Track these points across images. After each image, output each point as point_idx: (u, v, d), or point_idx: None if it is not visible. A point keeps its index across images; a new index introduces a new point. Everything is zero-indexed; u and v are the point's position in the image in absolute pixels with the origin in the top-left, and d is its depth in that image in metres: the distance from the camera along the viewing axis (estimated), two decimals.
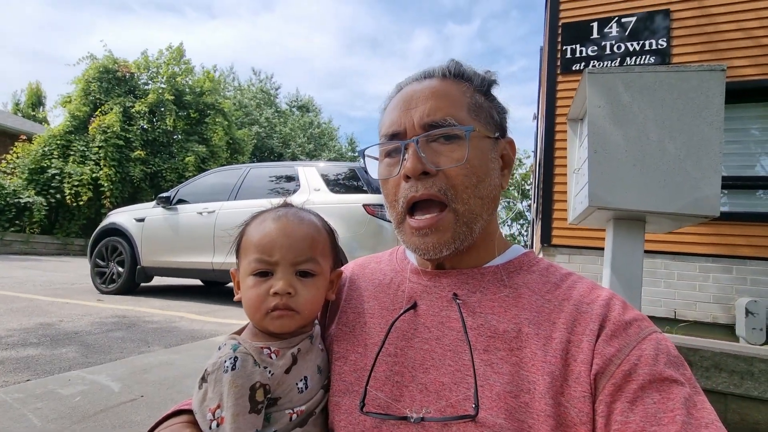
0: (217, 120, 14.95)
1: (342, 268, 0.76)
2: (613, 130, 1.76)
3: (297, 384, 0.53)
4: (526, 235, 19.33)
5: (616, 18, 4.61)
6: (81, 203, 11.99)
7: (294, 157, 23.56)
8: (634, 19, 4.53)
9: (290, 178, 4.83)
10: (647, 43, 4.44)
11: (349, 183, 4.71)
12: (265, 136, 23.65)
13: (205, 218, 4.75)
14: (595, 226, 2.27)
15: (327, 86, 62.68)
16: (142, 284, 5.25)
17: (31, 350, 2.69)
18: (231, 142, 15.92)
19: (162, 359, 2.23)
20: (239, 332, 0.59)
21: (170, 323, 3.70)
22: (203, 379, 0.50)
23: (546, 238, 4.54)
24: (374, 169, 0.63)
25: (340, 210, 4.20)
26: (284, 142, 24.54)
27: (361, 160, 0.63)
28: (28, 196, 11.29)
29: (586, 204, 1.82)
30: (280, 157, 23.37)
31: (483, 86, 0.61)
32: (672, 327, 3.19)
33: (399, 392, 0.53)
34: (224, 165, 12.37)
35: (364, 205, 4.24)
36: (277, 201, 0.67)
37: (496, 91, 0.63)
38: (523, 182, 20.13)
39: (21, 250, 11.17)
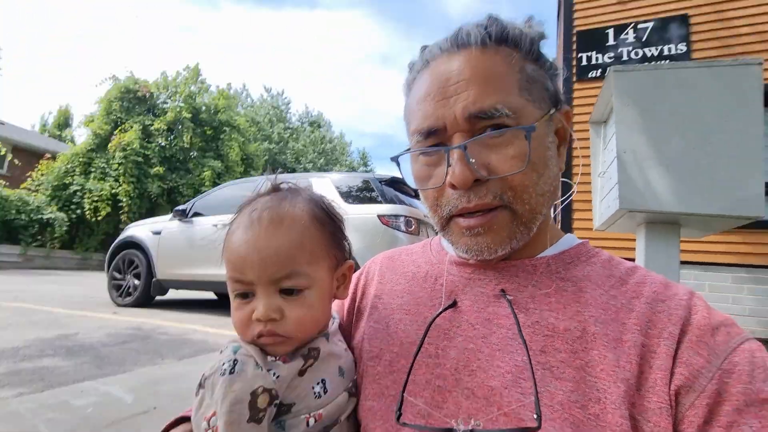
0: (232, 136, 15.26)
1: (370, 261, 0.70)
2: (642, 129, 1.69)
3: (314, 388, 0.47)
4: None
5: (632, 24, 4.54)
6: (100, 218, 12.26)
7: (306, 171, 23.83)
8: (650, 25, 4.46)
9: None
10: (666, 48, 4.36)
11: (362, 194, 4.68)
12: (277, 152, 24.02)
13: (219, 231, 4.73)
14: (624, 233, 2.16)
15: (338, 101, 63.70)
16: (157, 297, 5.25)
17: (47, 361, 2.67)
18: (245, 157, 16.22)
19: (175, 371, 2.18)
20: None
21: (183, 335, 3.66)
22: (200, 385, 0.45)
23: None
24: (408, 172, 0.53)
25: (354, 221, 4.16)
26: (296, 157, 24.87)
27: (397, 166, 0.53)
28: (51, 212, 11.59)
29: (615, 207, 1.73)
30: (292, 172, 23.66)
31: (533, 50, 0.49)
32: None
33: (441, 398, 0.46)
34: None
35: (379, 216, 4.19)
36: (265, 183, 0.55)
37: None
38: None
39: (42, 264, 11.41)
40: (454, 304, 0.52)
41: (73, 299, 5.60)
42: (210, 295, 6.37)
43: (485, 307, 0.50)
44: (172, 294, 5.57)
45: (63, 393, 1.79)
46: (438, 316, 0.52)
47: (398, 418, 0.46)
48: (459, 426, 0.44)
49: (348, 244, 0.57)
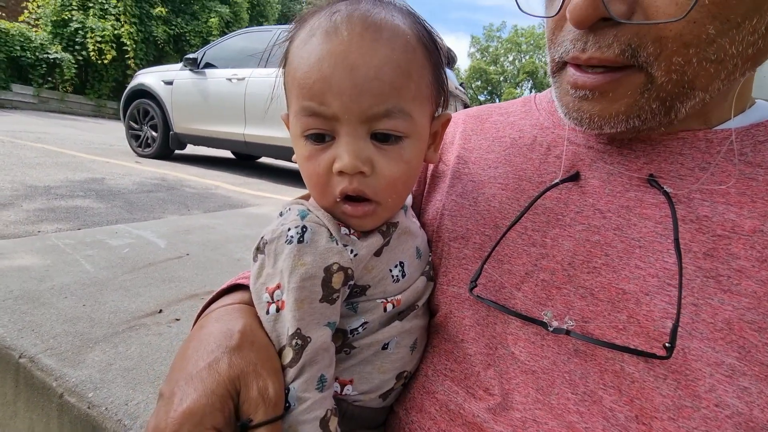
0: None
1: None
2: None
3: (391, 271, 0.38)
4: None
5: None
6: (106, 61, 11.75)
7: None
8: None
9: None
10: None
11: None
12: (293, 1, 21.30)
13: (234, 86, 4.45)
14: None
15: None
16: (177, 151, 5.27)
17: (79, 202, 2.78)
18: (255, 3, 14.56)
19: (203, 222, 2.25)
20: (306, 197, 0.41)
21: (207, 190, 3.76)
22: (259, 250, 0.36)
23: None
24: None
25: None
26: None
27: None
28: (56, 52, 11.03)
29: None
30: None
31: None
32: None
33: (545, 294, 0.37)
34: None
35: None
36: None
37: None
38: None
39: (58, 108, 11.37)
40: (575, 177, 0.39)
41: (94, 145, 5.67)
42: (229, 154, 6.38)
43: (623, 191, 0.37)
44: (191, 149, 5.58)
45: (99, 232, 1.87)
46: (550, 190, 0.39)
47: (471, 290, 0.39)
48: (550, 321, 0.36)
49: (447, 88, 0.41)
